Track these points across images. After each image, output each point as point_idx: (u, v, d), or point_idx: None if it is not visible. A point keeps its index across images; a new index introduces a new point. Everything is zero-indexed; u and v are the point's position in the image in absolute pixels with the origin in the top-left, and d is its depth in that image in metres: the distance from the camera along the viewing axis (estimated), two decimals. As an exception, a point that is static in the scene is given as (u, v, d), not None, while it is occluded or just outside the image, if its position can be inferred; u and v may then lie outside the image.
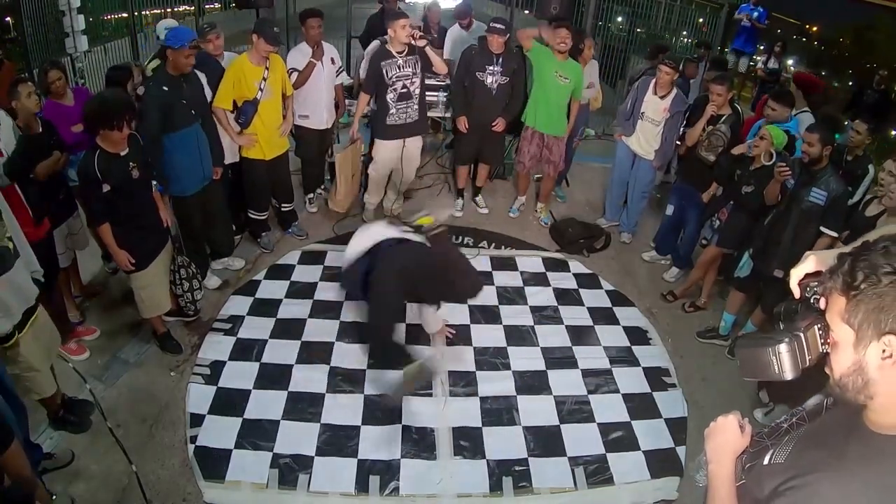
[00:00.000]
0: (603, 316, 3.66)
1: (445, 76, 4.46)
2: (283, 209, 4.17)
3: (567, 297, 3.81)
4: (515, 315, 3.58)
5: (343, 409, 2.83)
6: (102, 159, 2.55)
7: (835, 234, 2.94)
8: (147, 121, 3.00)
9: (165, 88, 3.04)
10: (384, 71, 3.86)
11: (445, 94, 4.77)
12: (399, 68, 3.87)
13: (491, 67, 4.13)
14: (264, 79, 3.53)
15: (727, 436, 1.12)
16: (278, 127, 3.74)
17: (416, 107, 4.04)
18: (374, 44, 4.21)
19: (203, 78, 3.55)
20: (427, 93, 4.85)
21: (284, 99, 3.77)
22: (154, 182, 2.89)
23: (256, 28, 3.50)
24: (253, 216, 4.00)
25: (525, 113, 4.36)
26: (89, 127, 2.54)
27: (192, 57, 3.08)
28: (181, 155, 3.16)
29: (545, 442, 2.76)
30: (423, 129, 4.22)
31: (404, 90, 3.93)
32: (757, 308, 3.37)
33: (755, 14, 7.17)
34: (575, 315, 3.63)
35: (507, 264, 4.09)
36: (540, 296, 3.79)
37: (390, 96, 3.92)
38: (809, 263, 1.08)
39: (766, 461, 1.04)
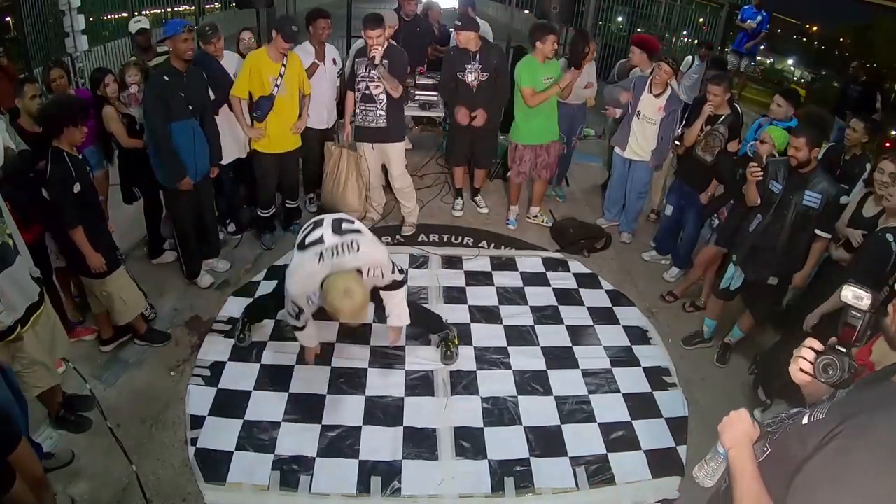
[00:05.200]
0: (603, 316, 3.65)
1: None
2: (287, 205, 4.21)
3: (567, 296, 3.81)
4: (515, 315, 3.57)
5: (344, 410, 2.83)
6: (69, 158, 2.58)
7: (828, 236, 2.89)
8: (148, 107, 3.14)
9: (166, 78, 3.15)
10: (354, 67, 3.86)
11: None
12: (367, 69, 3.80)
13: (470, 66, 4.12)
14: (280, 75, 3.58)
15: (742, 425, 1.23)
16: (292, 124, 3.77)
17: (381, 113, 3.88)
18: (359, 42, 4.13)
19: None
20: (426, 92, 4.86)
21: (302, 98, 3.80)
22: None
23: (276, 24, 3.60)
24: (260, 214, 4.04)
25: (512, 131, 4.31)
26: (52, 127, 2.54)
27: (190, 41, 3.15)
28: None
29: (546, 442, 2.76)
30: (391, 137, 3.99)
31: (367, 92, 3.85)
32: (745, 314, 3.29)
33: (758, 18, 7.26)
34: (575, 315, 3.63)
35: (507, 264, 4.09)
36: (540, 296, 3.78)
37: (357, 95, 3.91)
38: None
39: (805, 421, 1.12)
